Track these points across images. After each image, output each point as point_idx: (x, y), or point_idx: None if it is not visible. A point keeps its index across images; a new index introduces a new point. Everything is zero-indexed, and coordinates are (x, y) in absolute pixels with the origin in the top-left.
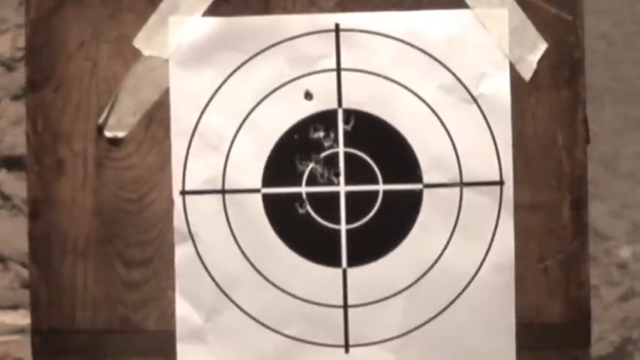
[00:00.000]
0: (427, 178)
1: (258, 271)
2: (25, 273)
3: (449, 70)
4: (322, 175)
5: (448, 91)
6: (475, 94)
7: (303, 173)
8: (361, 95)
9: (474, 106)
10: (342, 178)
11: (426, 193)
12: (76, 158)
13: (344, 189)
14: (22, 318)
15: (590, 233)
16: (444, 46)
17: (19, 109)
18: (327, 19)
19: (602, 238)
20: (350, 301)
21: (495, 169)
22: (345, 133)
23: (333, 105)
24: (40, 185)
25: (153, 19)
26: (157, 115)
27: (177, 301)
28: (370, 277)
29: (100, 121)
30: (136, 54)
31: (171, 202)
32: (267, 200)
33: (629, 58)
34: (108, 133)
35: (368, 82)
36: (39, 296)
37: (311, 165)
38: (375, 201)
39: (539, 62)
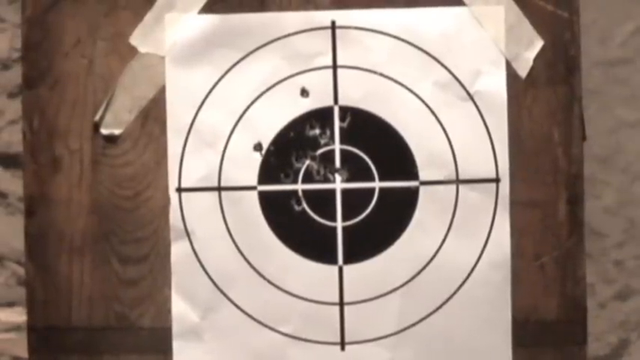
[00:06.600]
0: (423, 175)
1: (254, 268)
2: (21, 271)
3: (445, 67)
4: (318, 173)
5: (444, 89)
6: (471, 91)
7: (299, 170)
8: (357, 92)
9: (470, 103)
10: (338, 175)
11: (422, 190)
12: (73, 156)
13: (340, 186)
14: (18, 315)
15: (586, 231)
16: (440, 43)
17: (15, 106)
18: (323, 17)
19: (598, 235)
20: (346, 299)
21: (491, 166)
22: (341, 130)
23: (329, 102)
24: (37, 183)
25: (149, 16)
26: (153, 113)
27: (174, 298)
28: (366, 275)
29: (96, 118)
30: (132, 51)
31: (167, 200)
32: (263, 197)
33: (626, 59)
34: (104, 131)
35: (364, 80)
36: (35, 294)
37: (307, 162)
38: (372, 198)
39: (536, 59)
